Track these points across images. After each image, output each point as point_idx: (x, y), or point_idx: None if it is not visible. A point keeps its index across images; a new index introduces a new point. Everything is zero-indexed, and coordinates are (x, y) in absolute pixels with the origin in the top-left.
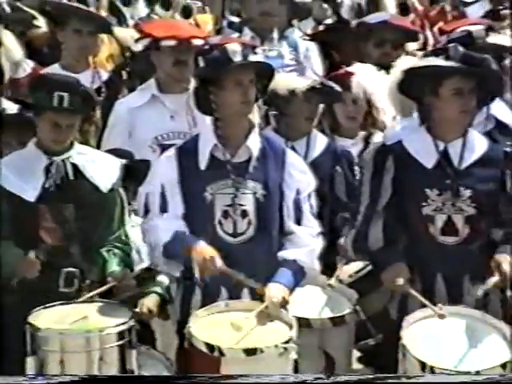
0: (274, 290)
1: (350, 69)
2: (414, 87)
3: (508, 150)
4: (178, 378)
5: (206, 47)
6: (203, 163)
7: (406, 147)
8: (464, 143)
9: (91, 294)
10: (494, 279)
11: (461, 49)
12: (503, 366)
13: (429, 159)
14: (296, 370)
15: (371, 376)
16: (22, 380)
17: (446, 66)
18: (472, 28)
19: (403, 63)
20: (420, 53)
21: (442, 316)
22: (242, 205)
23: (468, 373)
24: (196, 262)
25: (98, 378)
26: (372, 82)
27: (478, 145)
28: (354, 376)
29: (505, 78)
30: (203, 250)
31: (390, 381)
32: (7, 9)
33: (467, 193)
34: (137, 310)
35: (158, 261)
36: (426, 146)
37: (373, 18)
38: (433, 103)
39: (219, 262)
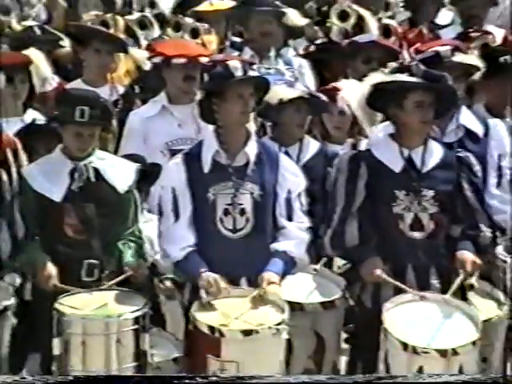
0: (266, 276)
1: (337, 84)
2: (380, 100)
3: (460, 154)
4: (179, 377)
5: (211, 64)
6: (206, 167)
7: (376, 155)
8: (425, 150)
9: (110, 283)
10: (460, 278)
11: (422, 66)
12: (473, 343)
13: (396, 164)
14: (289, 349)
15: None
16: (23, 380)
17: (410, 82)
18: (441, 48)
19: (371, 79)
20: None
21: (423, 298)
22: (240, 204)
23: (455, 374)
24: (201, 286)
25: (99, 377)
26: (356, 96)
27: (436, 151)
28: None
29: (459, 93)
30: (208, 277)
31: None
32: (38, 31)
33: (430, 193)
34: (161, 285)
35: (168, 268)
36: (393, 153)
37: (362, 38)
38: (397, 114)
39: (222, 284)
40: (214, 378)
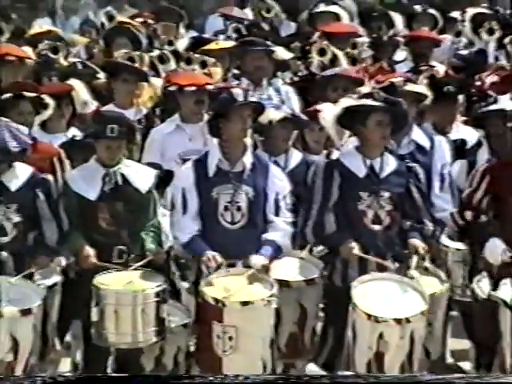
0: (258, 259)
1: (317, 107)
2: (349, 120)
3: (409, 165)
4: (178, 377)
5: (216, 90)
6: (211, 172)
7: (345, 163)
8: (382, 160)
9: (136, 265)
10: (415, 261)
11: (382, 93)
12: (422, 313)
13: (360, 171)
14: (278, 317)
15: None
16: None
17: (373, 105)
18: (396, 80)
19: (343, 102)
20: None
21: (391, 270)
22: (237, 202)
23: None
24: (203, 261)
25: (99, 377)
26: (330, 116)
27: (391, 161)
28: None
29: (411, 115)
30: (208, 254)
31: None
32: (79, 66)
33: (386, 194)
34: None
35: (177, 248)
36: (358, 162)
37: (328, 72)
38: (362, 131)
39: (219, 259)
40: (211, 378)
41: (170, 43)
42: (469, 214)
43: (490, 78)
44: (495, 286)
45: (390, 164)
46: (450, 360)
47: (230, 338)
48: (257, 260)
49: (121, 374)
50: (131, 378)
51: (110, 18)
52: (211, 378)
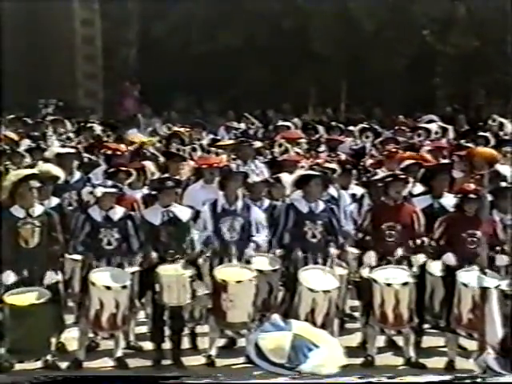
0: (248, 252)
1: (279, 175)
2: (300, 182)
3: (330, 206)
4: (178, 377)
5: (222, 166)
6: (219, 209)
7: (296, 205)
8: (317, 203)
9: (180, 260)
10: (332, 259)
11: (318, 167)
12: (336, 287)
13: (304, 209)
14: (257, 289)
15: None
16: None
17: (313, 174)
18: (319, 161)
19: (296, 173)
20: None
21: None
22: (234, 227)
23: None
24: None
25: (100, 376)
26: (287, 178)
27: (321, 204)
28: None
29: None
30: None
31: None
32: (148, 153)
33: (319, 222)
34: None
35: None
36: (303, 204)
37: (282, 157)
38: (305, 188)
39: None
40: (205, 380)
41: (199, 140)
42: (360, 235)
43: (370, 161)
44: (371, 271)
45: (320, 205)
46: (348, 311)
47: (231, 301)
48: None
49: (121, 374)
50: (132, 378)
51: (169, 128)
52: (210, 380)
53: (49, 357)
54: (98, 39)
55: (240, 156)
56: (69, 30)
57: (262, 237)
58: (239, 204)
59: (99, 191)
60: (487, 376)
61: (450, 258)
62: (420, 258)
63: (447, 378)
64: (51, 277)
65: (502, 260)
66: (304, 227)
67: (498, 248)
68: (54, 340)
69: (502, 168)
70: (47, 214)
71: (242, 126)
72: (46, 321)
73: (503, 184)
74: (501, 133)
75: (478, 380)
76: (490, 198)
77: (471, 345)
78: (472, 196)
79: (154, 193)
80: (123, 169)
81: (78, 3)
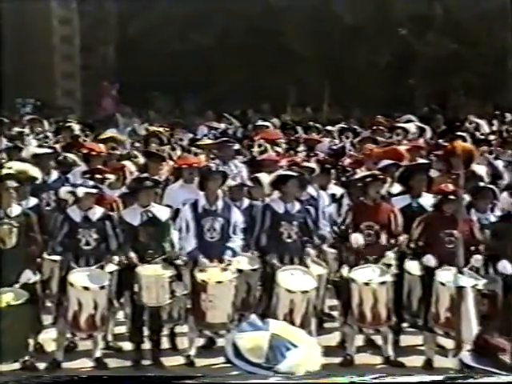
0: (227, 258)
1: (257, 175)
2: (277, 183)
3: (306, 207)
4: (178, 377)
5: (201, 166)
6: (200, 210)
7: (272, 206)
8: (293, 204)
9: (158, 259)
10: (309, 259)
11: (295, 168)
12: (316, 288)
13: (281, 210)
14: (236, 289)
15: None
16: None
17: (291, 174)
18: (298, 159)
19: (261, 174)
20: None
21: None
22: (214, 226)
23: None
24: (199, 263)
25: (100, 377)
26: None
27: (297, 204)
28: None
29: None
30: (201, 260)
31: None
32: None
33: (295, 223)
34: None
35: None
36: (280, 204)
37: (262, 156)
38: (282, 188)
39: (207, 263)
40: (218, 381)
41: (181, 140)
42: (341, 234)
43: (348, 161)
44: (350, 270)
45: (297, 206)
46: (326, 310)
47: (210, 301)
48: (227, 258)
49: (121, 374)
50: (132, 378)
51: (147, 129)
52: (209, 380)
53: (27, 358)
54: (76, 38)
55: (219, 156)
56: (46, 29)
57: (238, 242)
58: (219, 204)
59: (80, 191)
60: (478, 376)
61: (430, 260)
62: (391, 255)
63: (439, 377)
64: (27, 276)
65: (478, 259)
66: (280, 228)
67: (474, 248)
68: (31, 341)
69: (478, 168)
70: (25, 214)
71: (222, 125)
72: (23, 322)
73: (481, 184)
74: (477, 133)
75: (470, 380)
76: (467, 197)
77: (449, 343)
78: (451, 197)
79: (128, 192)
80: (102, 171)
81: (56, 2)
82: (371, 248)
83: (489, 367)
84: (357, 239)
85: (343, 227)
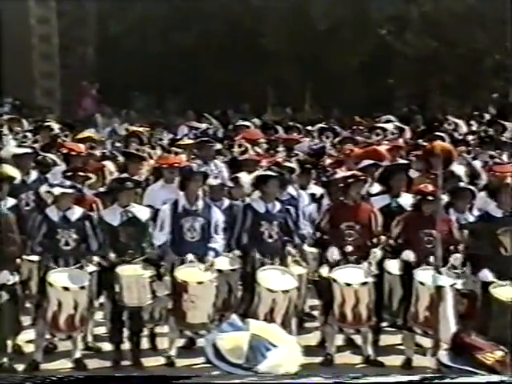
0: (208, 258)
1: (238, 175)
2: (259, 183)
3: (286, 207)
4: (178, 377)
5: (182, 166)
6: (180, 209)
7: (253, 205)
8: (273, 204)
9: (138, 259)
10: (290, 258)
11: (276, 168)
12: (297, 288)
13: (262, 210)
14: (217, 289)
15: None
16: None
17: (271, 174)
18: (279, 160)
19: (243, 174)
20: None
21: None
22: (194, 226)
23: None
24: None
25: (98, 377)
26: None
27: (277, 204)
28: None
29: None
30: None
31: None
32: (109, 154)
33: (275, 222)
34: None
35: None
36: (260, 204)
37: (243, 157)
38: (263, 188)
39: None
40: (216, 381)
41: (160, 140)
42: (318, 234)
43: (328, 161)
44: (330, 270)
45: (277, 206)
46: (307, 310)
47: (192, 302)
48: (208, 258)
49: (121, 374)
50: (132, 378)
51: (127, 129)
52: (222, 380)
53: (5, 359)
54: (55, 37)
55: (200, 156)
56: (25, 28)
57: (219, 243)
58: (200, 204)
59: (57, 191)
60: (455, 376)
61: (409, 255)
62: (378, 252)
63: (416, 377)
64: (6, 277)
65: (456, 258)
66: (260, 227)
67: (453, 247)
68: (10, 342)
69: (457, 168)
70: (3, 214)
71: (203, 125)
72: (2, 323)
73: (460, 184)
74: (455, 133)
75: (447, 380)
76: (446, 197)
77: (427, 342)
78: (430, 198)
79: (108, 192)
80: (84, 170)
81: (34, 1)
82: (352, 248)
83: (466, 366)
84: (332, 253)
85: (321, 227)
